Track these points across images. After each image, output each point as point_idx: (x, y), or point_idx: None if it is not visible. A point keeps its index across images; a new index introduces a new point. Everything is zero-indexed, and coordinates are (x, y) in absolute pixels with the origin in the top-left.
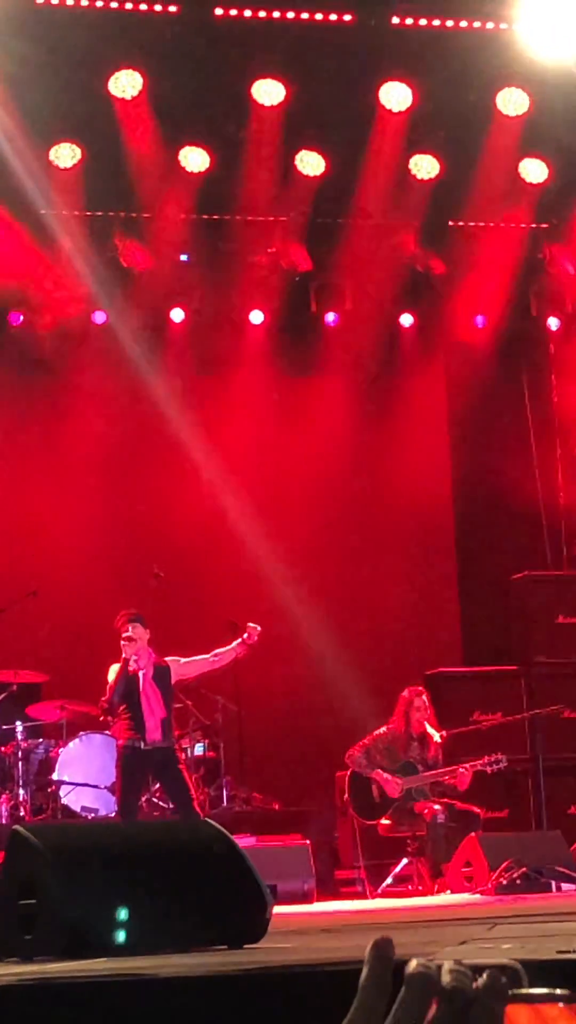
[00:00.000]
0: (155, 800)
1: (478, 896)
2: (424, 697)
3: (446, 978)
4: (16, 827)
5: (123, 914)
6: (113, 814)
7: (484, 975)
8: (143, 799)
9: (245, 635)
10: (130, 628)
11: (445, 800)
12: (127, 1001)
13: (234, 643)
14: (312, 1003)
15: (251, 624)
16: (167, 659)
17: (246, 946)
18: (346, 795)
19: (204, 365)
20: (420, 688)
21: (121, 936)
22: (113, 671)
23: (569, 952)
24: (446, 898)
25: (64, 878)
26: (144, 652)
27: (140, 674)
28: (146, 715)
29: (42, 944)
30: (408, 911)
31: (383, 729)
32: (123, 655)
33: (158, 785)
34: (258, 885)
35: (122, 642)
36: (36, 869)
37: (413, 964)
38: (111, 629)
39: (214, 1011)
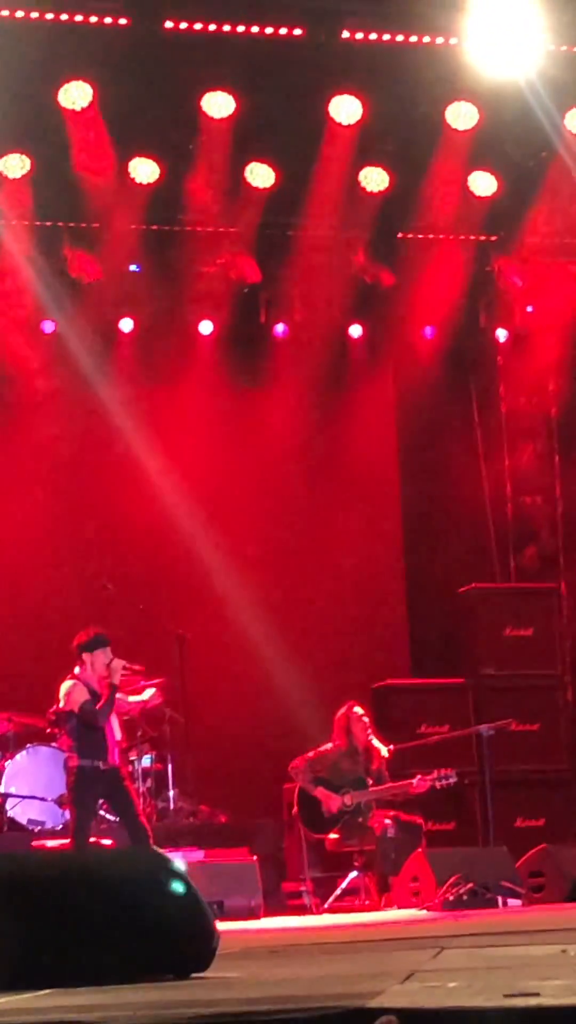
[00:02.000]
0: (102, 813)
1: (425, 912)
2: (357, 708)
3: None
4: None
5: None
6: (60, 827)
7: None
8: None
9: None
10: (108, 654)
11: (390, 812)
12: None
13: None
14: None
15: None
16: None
17: (193, 975)
18: (294, 809)
19: (154, 375)
20: (352, 701)
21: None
22: (73, 688)
23: (515, 995)
24: (393, 914)
25: (8, 908)
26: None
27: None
28: (109, 738)
29: None
30: (355, 929)
31: (329, 746)
32: (104, 678)
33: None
34: (204, 913)
35: (108, 667)
36: None
37: None
38: (58, 640)
39: None
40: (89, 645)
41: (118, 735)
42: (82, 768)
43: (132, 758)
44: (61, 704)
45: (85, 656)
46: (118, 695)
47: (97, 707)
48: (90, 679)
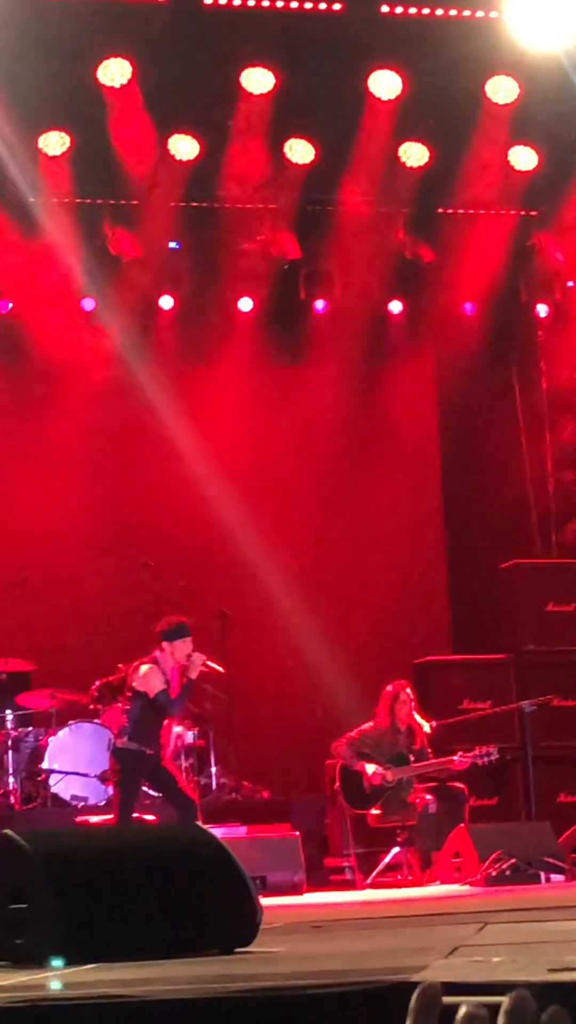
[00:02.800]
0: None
1: (467, 887)
2: (408, 690)
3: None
4: (7, 831)
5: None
6: (103, 802)
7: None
8: None
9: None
10: (190, 644)
11: (432, 784)
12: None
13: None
14: None
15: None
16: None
17: (237, 950)
18: (336, 784)
19: (194, 353)
20: (403, 681)
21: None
22: (148, 672)
23: (559, 970)
24: (436, 889)
25: (54, 883)
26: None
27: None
28: (166, 728)
29: (32, 949)
30: (397, 904)
31: (369, 724)
32: (183, 670)
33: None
34: (248, 888)
35: (188, 659)
36: (26, 874)
37: (463, 1012)
38: (100, 618)
39: None
40: (171, 633)
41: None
42: (130, 751)
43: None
44: (136, 685)
45: (165, 644)
46: None
47: (172, 696)
48: (166, 667)
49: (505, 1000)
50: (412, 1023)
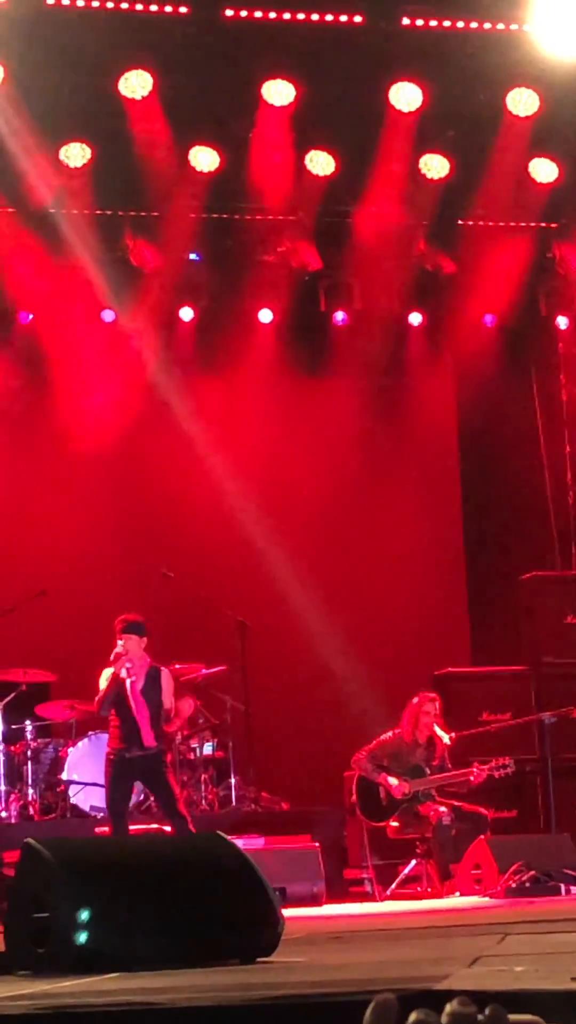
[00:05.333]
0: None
1: (487, 899)
2: (436, 703)
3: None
4: (29, 840)
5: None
6: None
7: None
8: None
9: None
10: (122, 642)
11: (452, 802)
12: None
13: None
14: None
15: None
16: (164, 668)
17: (258, 960)
18: (353, 797)
19: (213, 364)
20: (432, 694)
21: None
22: (105, 677)
23: None
24: (455, 901)
25: (76, 893)
26: (138, 660)
27: (129, 683)
28: (141, 724)
29: (54, 958)
30: (417, 916)
31: (389, 734)
32: (115, 663)
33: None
34: (269, 898)
35: (117, 651)
36: (48, 883)
37: (413, 1017)
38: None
39: None
40: (119, 631)
41: (149, 720)
42: (110, 755)
43: (194, 745)
44: None
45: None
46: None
47: (97, 698)
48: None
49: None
50: None
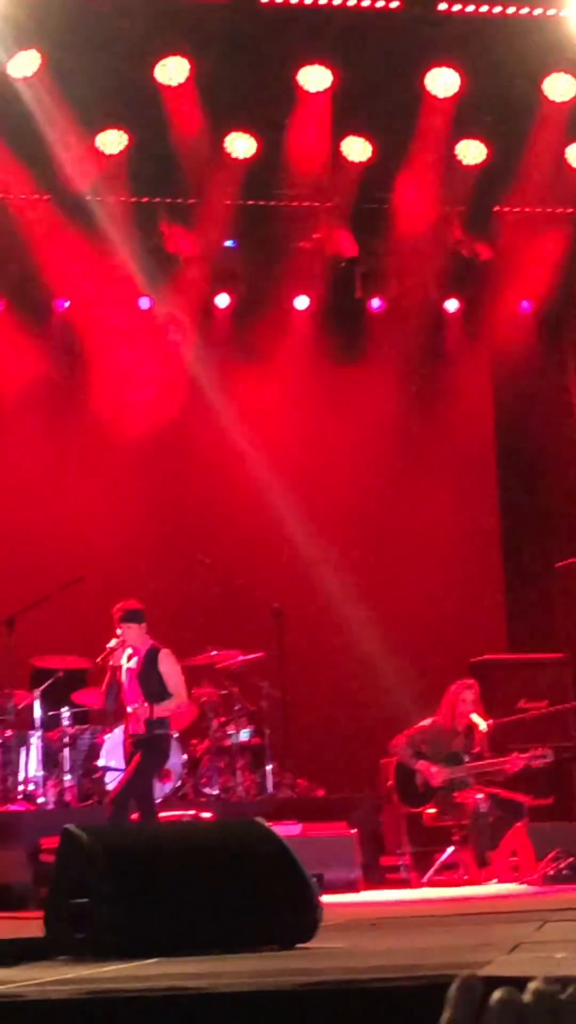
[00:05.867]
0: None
1: (525, 886)
2: (472, 690)
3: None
4: (68, 826)
5: None
6: (159, 800)
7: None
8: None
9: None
10: (120, 630)
11: (490, 790)
12: (184, 1015)
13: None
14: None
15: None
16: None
17: (297, 946)
18: (390, 782)
19: (249, 351)
20: (469, 681)
21: None
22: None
23: None
24: (493, 888)
25: (116, 878)
26: (140, 646)
27: (126, 669)
28: (128, 714)
29: (94, 943)
30: (455, 903)
31: (428, 721)
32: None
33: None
34: (308, 885)
35: (110, 645)
36: (88, 869)
37: (498, 995)
38: (154, 617)
39: None
40: (117, 621)
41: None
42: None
43: (230, 732)
44: None
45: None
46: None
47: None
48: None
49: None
50: (450, 1015)
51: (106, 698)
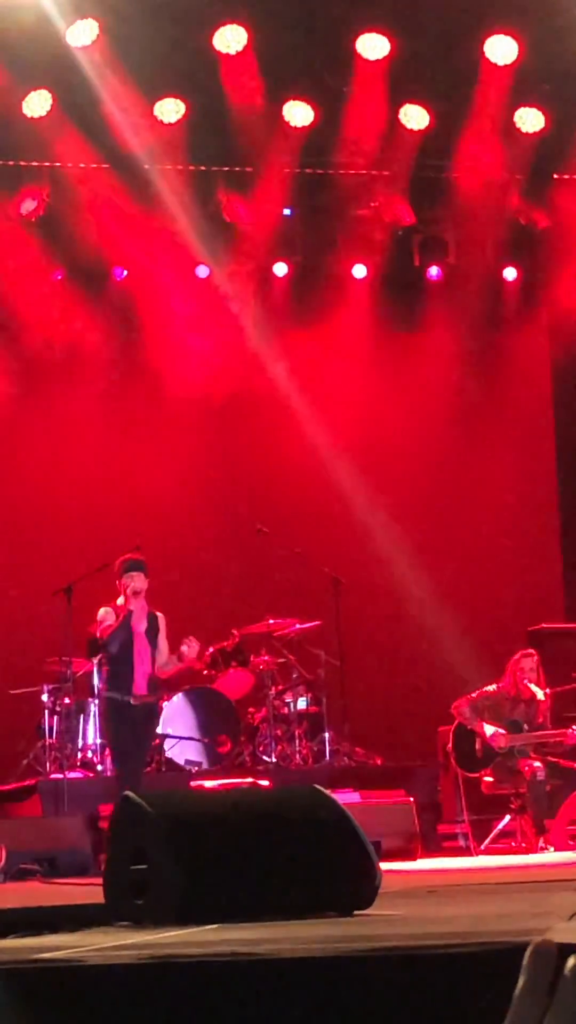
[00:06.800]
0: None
1: None
2: (532, 659)
3: None
4: (127, 793)
5: None
6: (217, 767)
7: None
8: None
9: (184, 648)
10: (135, 579)
11: (548, 758)
12: (245, 980)
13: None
14: (430, 985)
15: (187, 641)
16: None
17: (356, 913)
18: (449, 745)
19: (307, 319)
20: (530, 651)
21: None
22: (106, 614)
23: None
24: (550, 856)
25: (175, 845)
26: (142, 604)
27: (137, 628)
28: (136, 670)
29: (153, 909)
30: (512, 871)
31: (493, 687)
32: (126, 604)
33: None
34: (367, 852)
35: (129, 592)
36: (147, 835)
37: (572, 962)
38: (212, 584)
39: (327, 992)
40: (117, 572)
41: (149, 669)
42: (109, 700)
43: (288, 700)
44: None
45: (119, 584)
46: (164, 647)
47: (101, 635)
48: (120, 608)
49: None
50: (526, 980)
51: (111, 640)
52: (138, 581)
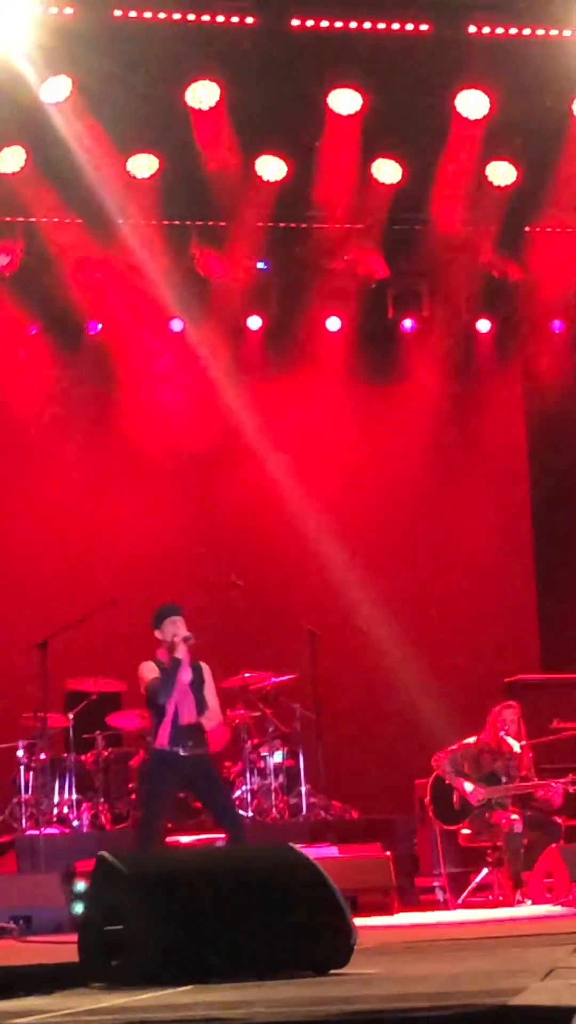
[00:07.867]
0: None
1: (560, 908)
2: (513, 711)
3: None
4: (102, 853)
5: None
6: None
7: None
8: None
9: None
10: (179, 624)
11: (528, 812)
12: None
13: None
14: None
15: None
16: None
17: (332, 972)
18: (427, 798)
19: (282, 372)
20: (511, 702)
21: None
22: (149, 669)
23: None
24: (527, 910)
25: (150, 905)
26: (186, 652)
27: (183, 678)
28: (183, 721)
29: (128, 970)
30: (490, 925)
31: (473, 739)
32: (175, 654)
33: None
34: (342, 911)
35: (177, 640)
36: (122, 895)
37: None
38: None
39: None
40: (155, 621)
41: (195, 717)
42: (158, 753)
43: (264, 753)
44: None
45: (157, 634)
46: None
47: (147, 687)
48: (162, 656)
49: None
50: None
51: (161, 691)
52: (182, 627)
